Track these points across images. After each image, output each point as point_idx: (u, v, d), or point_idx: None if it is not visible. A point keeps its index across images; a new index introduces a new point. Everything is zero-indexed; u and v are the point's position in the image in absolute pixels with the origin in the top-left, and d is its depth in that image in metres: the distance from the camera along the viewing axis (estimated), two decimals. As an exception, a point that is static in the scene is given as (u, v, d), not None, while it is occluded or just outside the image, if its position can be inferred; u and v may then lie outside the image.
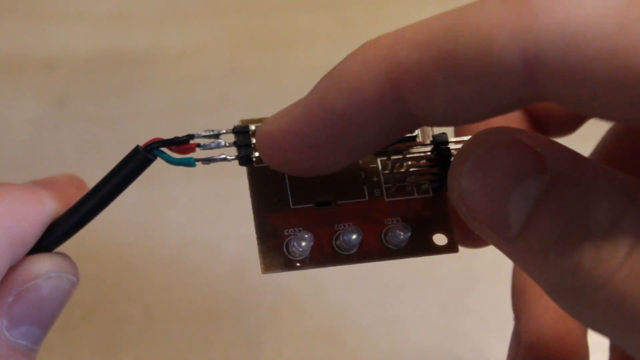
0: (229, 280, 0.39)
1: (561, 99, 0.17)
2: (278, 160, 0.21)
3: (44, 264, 0.22)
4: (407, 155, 0.23)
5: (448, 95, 0.18)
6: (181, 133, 0.23)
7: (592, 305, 0.18)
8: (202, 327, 0.38)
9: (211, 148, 0.23)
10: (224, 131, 0.23)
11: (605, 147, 0.26)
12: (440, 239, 0.23)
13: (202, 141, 0.23)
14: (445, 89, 0.18)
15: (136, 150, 0.23)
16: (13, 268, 0.22)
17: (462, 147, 0.20)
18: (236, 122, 0.23)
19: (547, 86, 0.17)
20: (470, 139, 0.20)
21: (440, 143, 0.23)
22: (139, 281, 0.39)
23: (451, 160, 0.23)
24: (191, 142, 0.22)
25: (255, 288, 0.39)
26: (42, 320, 0.23)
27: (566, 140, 0.26)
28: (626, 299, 0.17)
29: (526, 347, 0.26)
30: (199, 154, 0.23)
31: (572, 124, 0.26)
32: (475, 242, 0.25)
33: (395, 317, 0.39)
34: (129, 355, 0.38)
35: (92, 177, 0.35)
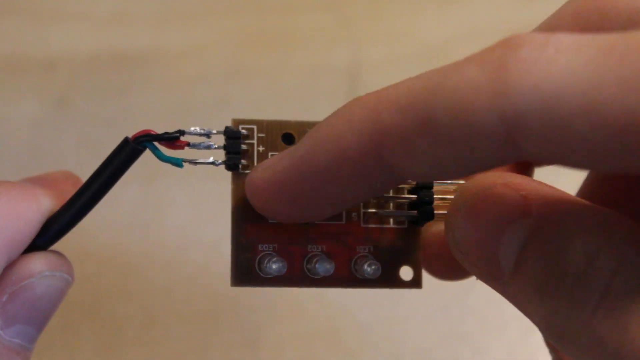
0: (229, 281, 0.39)
1: (542, 157, 0.17)
2: (263, 208, 0.22)
3: (38, 262, 0.22)
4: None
5: (429, 157, 0.18)
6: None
7: (575, 347, 0.18)
8: (202, 327, 0.38)
9: (201, 148, 0.23)
10: (215, 132, 0.23)
11: (592, 180, 0.26)
12: (406, 273, 0.24)
13: (192, 140, 0.23)
14: (426, 151, 0.18)
15: (125, 141, 0.23)
16: (8, 267, 0.22)
17: (454, 197, 0.21)
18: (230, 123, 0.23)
19: (528, 147, 0.17)
20: (460, 188, 0.21)
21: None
22: (139, 281, 0.39)
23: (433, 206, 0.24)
24: (181, 138, 0.22)
25: (255, 288, 0.38)
26: (37, 319, 0.23)
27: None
28: (606, 343, 0.17)
29: None
30: (188, 153, 0.23)
31: None
32: (450, 276, 0.26)
33: (395, 317, 0.39)
34: (129, 355, 0.38)
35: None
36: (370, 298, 0.39)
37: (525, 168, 0.26)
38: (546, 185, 0.20)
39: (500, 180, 0.20)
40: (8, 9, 0.43)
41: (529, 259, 0.19)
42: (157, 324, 0.38)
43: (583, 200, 0.20)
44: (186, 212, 0.40)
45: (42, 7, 0.43)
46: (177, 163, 0.22)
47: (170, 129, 0.23)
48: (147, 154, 0.23)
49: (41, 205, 0.23)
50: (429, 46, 0.44)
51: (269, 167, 0.21)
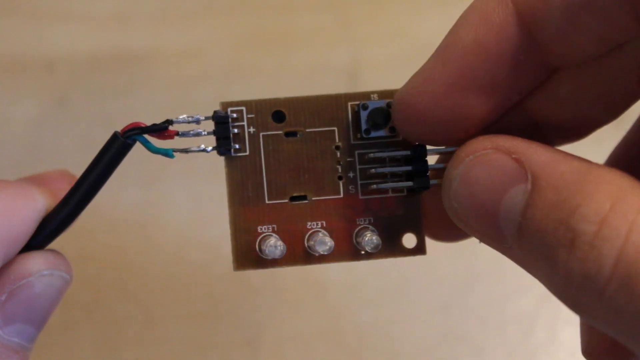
0: (229, 281, 0.39)
1: None
2: (420, 119, 0.21)
3: (36, 261, 0.22)
4: (386, 155, 0.23)
5: (563, 5, 0.19)
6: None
7: (591, 316, 0.18)
8: (202, 327, 0.38)
9: (190, 136, 0.23)
10: (203, 118, 0.23)
11: (625, 148, 0.25)
12: (409, 241, 0.24)
13: (181, 129, 0.23)
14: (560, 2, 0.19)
15: (114, 136, 0.23)
16: (5, 266, 0.22)
17: (448, 166, 0.21)
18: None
19: None
20: (452, 158, 0.21)
21: (417, 148, 0.23)
22: (139, 281, 0.39)
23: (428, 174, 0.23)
24: (170, 128, 0.22)
25: (255, 288, 0.39)
26: (36, 318, 0.23)
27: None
28: (623, 313, 0.17)
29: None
30: (178, 143, 0.23)
31: (579, 131, 0.25)
32: (450, 238, 0.26)
33: (395, 317, 0.39)
34: (129, 355, 0.38)
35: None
36: (371, 298, 0.39)
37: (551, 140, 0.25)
38: (539, 144, 0.20)
39: (490, 144, 0.20)
40: (8, 9, 0.43)
41: (531, 224, 0.18)
42: (157, 324, 0.38)
43: (583, 159, 0.19)
44: (186, 212, 0.40)
45: (42, 7, 0.43)
46: (168, 154, 0.22)
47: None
48: (146, 153, 0.23)
49: (37, 204, 0.23)
50: (428, 46, 0.44)
51: (416, 74, 0.21)
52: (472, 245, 0.36)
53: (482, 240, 0.20)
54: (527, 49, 0.20)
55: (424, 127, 0.22)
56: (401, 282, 0.39)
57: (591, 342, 0.24)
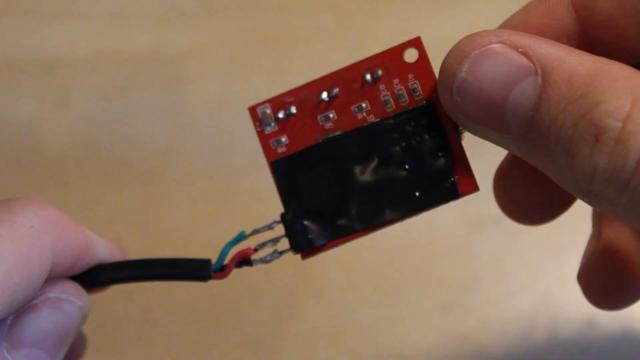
0: (229, 281, 0.39)
1: None
2: None
3: (45, 285, 0.22)
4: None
5: None
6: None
7: (612, 204, 0.18)
8: (202, 327, 0.38)
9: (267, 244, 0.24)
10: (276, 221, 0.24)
11: None
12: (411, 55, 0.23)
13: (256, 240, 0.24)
14: None
15: (207, 263, 0.25)
16: None
17: (447, 60, 0.20)
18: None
19: None
20: (451, 51, 0.20)
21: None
22: (139, 281, 0.39)
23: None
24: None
25: (255, 288, 0.38)
26: (45, 343, 0.21)
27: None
28: None
29: (605, 243, 0.26)
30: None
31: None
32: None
33: (395, 317, 0.39)
34: (129, 355, 0.38)
35: (92, 176, 0.35)
36: (371, 298, 0.39)
37: None
38: (544, 39, 0.19)
39: (495, 39, 0.19)
40: (8, 9, 0.43)
41: (545, 117, 0.18)
42: (157, 323, 0.38)
43: (591, 54, 0.19)
44: (186, 212, 0.40)
45: (42, 7, 0.43)
46: (241, 237, 0.24)
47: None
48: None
49: (90, 245, 0.23)
50: (428, 46, 0.44)
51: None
52: (472, 246, 0.36)
53: (481, 133, 0.20)
54: (574, 36, 0.20)
55: None
56: (401, 282, 0.39)
57: (588, 273, 0.25)
